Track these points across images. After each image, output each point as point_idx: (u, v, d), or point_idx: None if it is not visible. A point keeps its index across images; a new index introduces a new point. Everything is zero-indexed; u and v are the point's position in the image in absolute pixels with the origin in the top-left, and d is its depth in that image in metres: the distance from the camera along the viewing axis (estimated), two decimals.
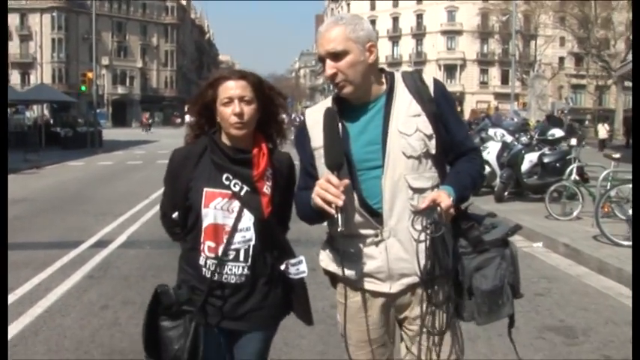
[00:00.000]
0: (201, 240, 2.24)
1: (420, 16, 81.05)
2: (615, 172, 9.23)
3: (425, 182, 2.14)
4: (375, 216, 2.14)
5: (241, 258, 2.23)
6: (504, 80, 71.38)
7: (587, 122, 53.28)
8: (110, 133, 39.45)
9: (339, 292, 2.30)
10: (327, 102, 2.28)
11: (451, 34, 79.36)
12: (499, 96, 70.29)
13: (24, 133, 31.13)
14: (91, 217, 9.88)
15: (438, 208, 2.02)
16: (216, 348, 2.26)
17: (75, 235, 8.44)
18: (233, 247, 2.22)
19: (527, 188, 10.97)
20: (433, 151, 2.15)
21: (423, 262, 2.09)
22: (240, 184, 2.21)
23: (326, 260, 2.30)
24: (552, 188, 9.38)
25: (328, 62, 2.12)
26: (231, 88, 2.20)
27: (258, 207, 2.22)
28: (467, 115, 47.12)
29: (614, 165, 9.35)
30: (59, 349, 4.30)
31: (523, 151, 10.94)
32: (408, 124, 2.14)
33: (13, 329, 4.66)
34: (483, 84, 78.97)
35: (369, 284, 2.20)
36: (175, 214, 2.34)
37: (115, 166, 20.47)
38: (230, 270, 2.22)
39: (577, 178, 9.64)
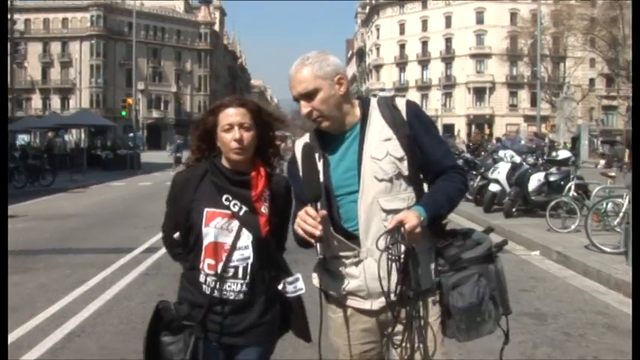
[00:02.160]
0: (202, 258, 2.33)
1: (449, 40, 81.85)
2: (612, 188, 10.17)
3: (399, 203, 2.22)
4: (354, 238, 2.24)
5: (240, 275, 2.31)
6: (534, 102, 71.19)
7: (618, 144, 53.18)
8: (146, 156, 40.98)
9: (328, 307, 2.39)
10: (311, 134, 2.41)
11: (480, 58, 79.81)
12: (528, 118, 70.31)
13: (67, 155, 33.02)
14: (140, 229, 11.10)
15: (402, 229, 2.07)
16: None
17: (128, 242, 9.65)
18: (232, 264, 2.30)
19: (534, 205, 11.85)
20: (406, 173, 2.24)
21: (387, 283, 2.12)
22: (239, 204, 2.32)
23: (317, 279, 2.40)
24: (552, 204, 10.28)
25: (302, 102, 2.24)
26: (232, 115, 2.31)
27: (256, 226, 2.32)
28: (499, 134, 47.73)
29: (609, 182, 10.29)
30: (129, 322, 5.47)
31: (529, 171, 11.89)
32: (380, 149, 2.24)
33: (90, 309, 5.92)
34: (513, 106, 79.06)
35: (353, 302, 2.30)
36: (176, 235, 2.45)
37: (155, 186, 21.78)
38: (229, 287, 2.31)
39: (575, 194, 10.55)
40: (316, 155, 2.29)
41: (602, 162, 35.02)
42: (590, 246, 8.46)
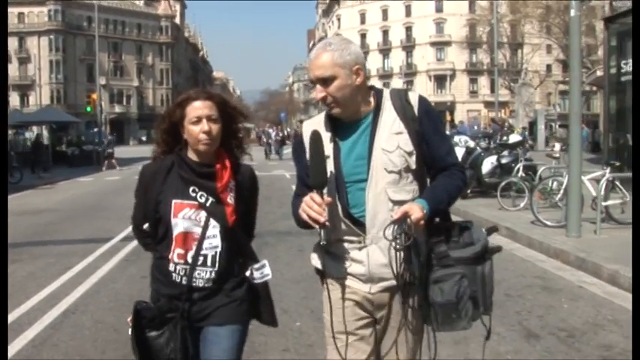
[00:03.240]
0: (172, 248, 2.40)
1: (409, 29, 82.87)
2: (556, 168, 11.01)
3: (405, 195, 2.30)
4: (359, 224, 2.31)
5: (209, 263, 2.39)
6: (494, 89, 72.88)
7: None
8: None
9: (325, 288, 2.45)
10: (322, 116, 2.45)
11: (440, 46, 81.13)
12: (489, 104, 71.69)
13: (29, 152, 32.74)
14: (113, 220, 11.54)
15: (408, 220, 2.15)
16: (199, 346, 2.46)
17: (104, 233, 10.12)
18: (202, 252, 2.38)
19: (488, 186, 12.64)
20: (413, 167, 2.31)
21: (397, 269, 2.22)
22: (205, 195, 2.39)
23: (316, 259, 2.46)
24: (503, 184, 11.11)
25: (318, 87, 2.29)
26: (199, 107, 2.37)
27: (223, 216, 2.39)
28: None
29: (554, 162, 11.14)
30: (117, 300, 6.02)
31: (482, 155, 12.70)
32: (391, 142, 2.29)
33: (79, 290, 6.44)
34: (473, 93, 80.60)
35: (352, 282, 2.38)
36: (146, 226, 2.51)
37: (123, 180, 21.97)
38: (198, 274, 2.39)
39: (523, 175, 11.37)
40: (327, 139, 2.35)
41: (558, 145, 36.08)
42: (535, 221, 9.28)
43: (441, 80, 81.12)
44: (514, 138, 13.91)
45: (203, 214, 2.38)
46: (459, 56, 76.37)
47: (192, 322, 2.40)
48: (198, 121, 2.35)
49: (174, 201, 2.38)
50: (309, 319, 5.24)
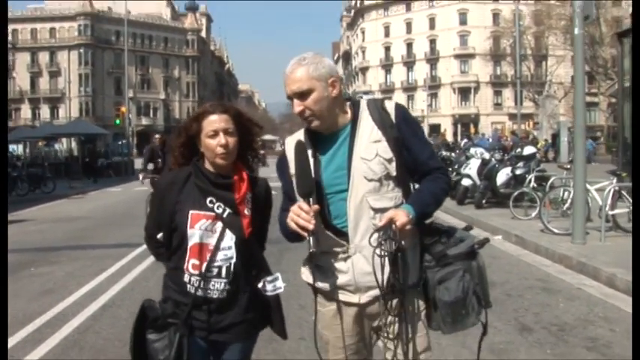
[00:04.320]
0: (187, 258, 2.38)
1: (433, 42, 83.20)
2: (567, 178, 11.38)
3: (387, 202, 2.29)
4: (342, 235, 2.31)
5: (223, 274, 2.38)
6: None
7: (601, 139, 54.12)
8: (138, 162, 41.65)
9: (317, 302, 2.46)
10: (302, 132, 2.47)
11: (464, 58, 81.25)
12: (513, 116, 71.49)
13: (61, 163, 33.92)
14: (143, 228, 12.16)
15: (393, 226, 2.15)
16: (199, 358, 2.43)
17: (135, 239, 10.63)
18: (216, 264, 2.37)
19: (503, 197, 12.99)
20: (394, 173, 2.30)
21: (380, 276, 2.20)
22: (222, 206, 2.38)
23: (306, 274, 2.48)
24: (515, 195, 11.49)
25: (296, 101, 2.30)
26: (216, 121, 2.38)
27: (239, 227, 2.39)
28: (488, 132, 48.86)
29: (565, 173, 11.51)
30: (150, 296, 6.38)
31: (497, 166, 13.11)
32: (369, 150, 2.30)
33: (115, 288, 7.07)
34: (497, 105, 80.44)
35: (342, 295, 2.38)
36: (159, 235, 2.50)
37: (150, 190, 22.74)
38: (213, 286, 2.37)
39: (535, 185, 11.76)
40: (309, 153, 2.36)
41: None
42: (544, 230, 9.67)
43: (465, 92, 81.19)
44: (528, 150, 14.28)
45: (219, 225, 2.39)
46: (483, 68, 76.44)
47: (211, 332, 2.41)
48: (215, 134, 2.37)
49: (191, 211, 2.38)
50: None
